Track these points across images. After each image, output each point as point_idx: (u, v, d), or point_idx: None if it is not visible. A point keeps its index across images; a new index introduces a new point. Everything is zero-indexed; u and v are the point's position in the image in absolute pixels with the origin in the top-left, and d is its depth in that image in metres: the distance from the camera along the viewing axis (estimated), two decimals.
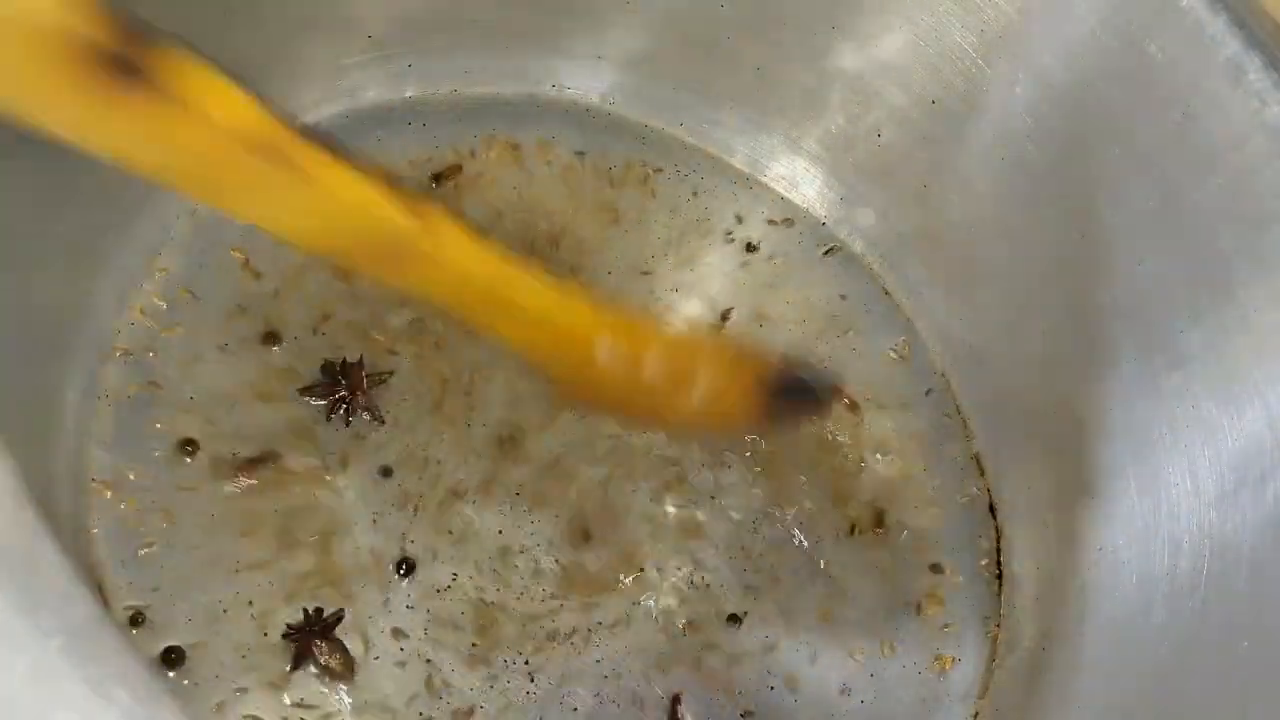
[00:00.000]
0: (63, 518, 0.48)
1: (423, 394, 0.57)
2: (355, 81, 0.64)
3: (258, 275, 0.57)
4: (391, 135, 0.65)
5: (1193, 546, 0.51)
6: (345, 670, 0.50)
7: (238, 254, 0.58)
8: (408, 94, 0.66)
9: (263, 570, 0.51)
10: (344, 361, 0.56)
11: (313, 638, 0.49)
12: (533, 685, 0.52)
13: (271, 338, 0.56)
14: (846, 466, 0.63)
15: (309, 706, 0.49)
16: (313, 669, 0.49)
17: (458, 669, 0.51)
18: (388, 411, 0.56)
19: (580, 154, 0.69)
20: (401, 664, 0.51)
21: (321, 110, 0.63)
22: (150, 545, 0.50)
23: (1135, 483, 0.54)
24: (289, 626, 0.50)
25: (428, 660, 0.51)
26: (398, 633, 0.51)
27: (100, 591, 0.48)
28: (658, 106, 0.71)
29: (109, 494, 0.50)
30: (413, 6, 0.63)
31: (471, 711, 0.51)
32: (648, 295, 0.64)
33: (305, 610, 0.50)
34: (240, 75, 0.57)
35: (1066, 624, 0.56)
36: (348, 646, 0.50)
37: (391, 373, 0.57)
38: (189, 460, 0.52)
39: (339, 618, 0.50)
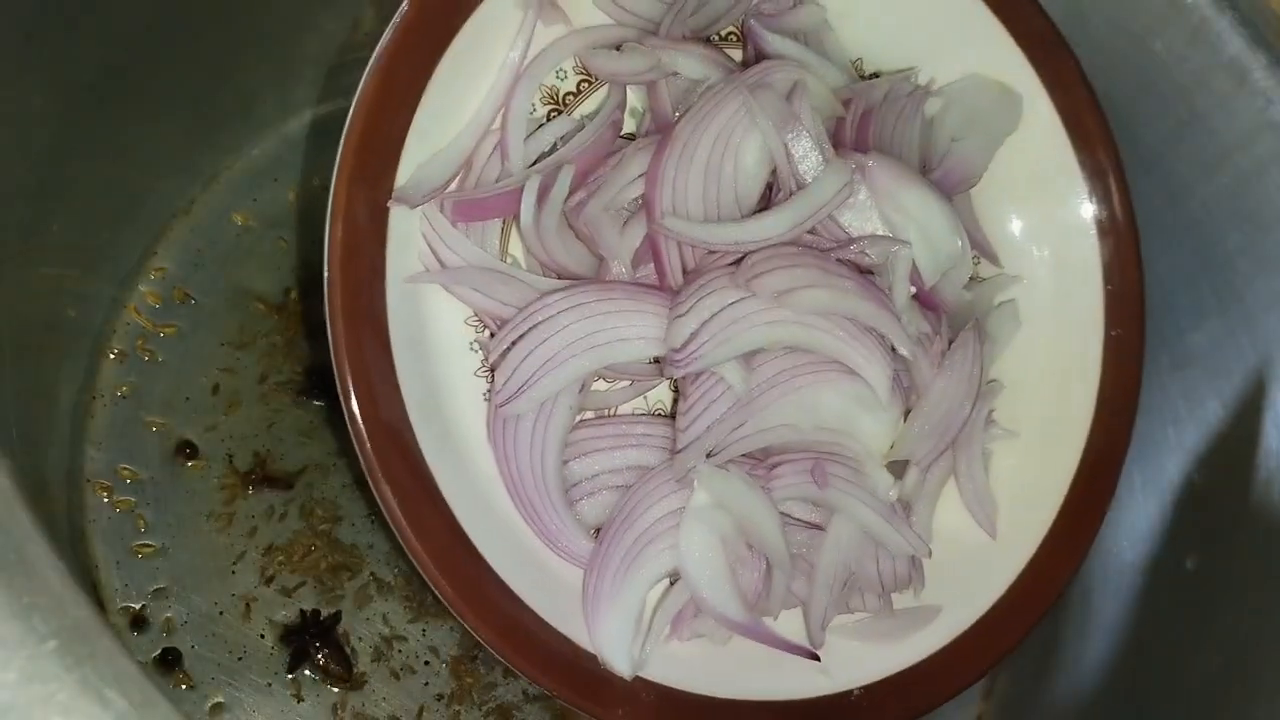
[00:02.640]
0: (58, 518, 0.48)
1: None
2: (351, 79, 0.63)
3: (255, 276, 0.57)
4: None
5: (1194, 546, 0.51)
6: (343, 671, 0.49)
7: (235, 255, 0.57)
8: None
9: (260, 572, 0.50)
10: None
11: (310, 639, 0.49)
12: None
13: (270, 338, 0.55)
14: None
15: (306, 707, 0.48)
16: (310, 670, 0.49)
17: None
18: None
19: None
20: (401, 666, 0.50)
21: (320, 108, 0.63)
22: (146, 546, 0.50)
23: (1137, 482, 0.54)
24: (286, 629, 0.49)
25: (426, 663, 0.51)
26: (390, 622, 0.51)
27: (96, 593, 0.48)
28: None
29: (105, 494, 0.50)
30: None
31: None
32: None
33: (302, 611, 0.50)
34: (240, 72, 0.57)
35: (1070, 625, 0.56)
36: (344, 648, 0.50)
37: None
38: (185, 461, 0.52)
39: (336, 619, 0.50)
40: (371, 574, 0.52)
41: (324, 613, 0.50)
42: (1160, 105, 0.50)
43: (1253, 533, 0.48)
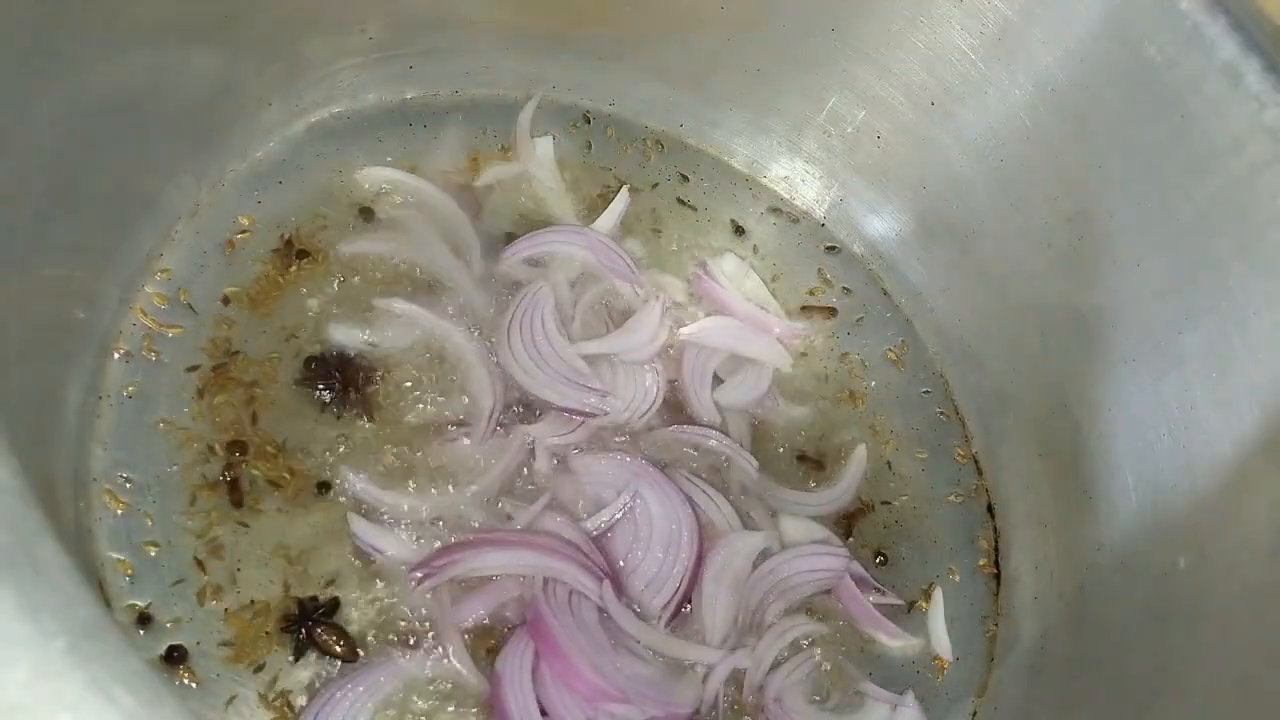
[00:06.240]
0: (65, 518, 0.48)
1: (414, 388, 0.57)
2: (356, 82, 0.64)
3: (260, 277, 0.58)
4: (392, 136, 0.65)
5: (1190, 547, 0.51)
6: (349, 652, 0.50)
7: (239, 256, 0.58)
8: (408, 95, 0.66)
9: (264, 568, 0.51)
10: (340, 356, 0.56)
11: (313, 626, 0.50)
12: None
13: (275, 336, 0.56)
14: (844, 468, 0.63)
15: (310, 695, 0.49)
16: (316, 656, 0.49)
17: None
18: (377, 406, 0.56)
19: (580, 155, 0.69)
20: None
21: (323, 111, 0.63)
22: (152, 545, 0.50)
23: (1134, 482, 0.54)
24: (286, 619, 0.50)
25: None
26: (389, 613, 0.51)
27: (102, 591, 0.49)
28: (658, 107, 0.71)
29: (111, 494, 0.50)
30: (414, 8, 0.63)
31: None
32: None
33: (300, 600, 0.50)
34: (245, 77, 0.57)
35: (1065, 624, 0.56)
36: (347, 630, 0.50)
37: (381, 373, 0.57)
38: (190, 459, 0.52)
39: (335, 604, 0.51)
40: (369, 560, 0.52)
41: (322, 599, 0.51)
42: (1154, 108, 0.50)
43: (1247, 533, 0.48)
